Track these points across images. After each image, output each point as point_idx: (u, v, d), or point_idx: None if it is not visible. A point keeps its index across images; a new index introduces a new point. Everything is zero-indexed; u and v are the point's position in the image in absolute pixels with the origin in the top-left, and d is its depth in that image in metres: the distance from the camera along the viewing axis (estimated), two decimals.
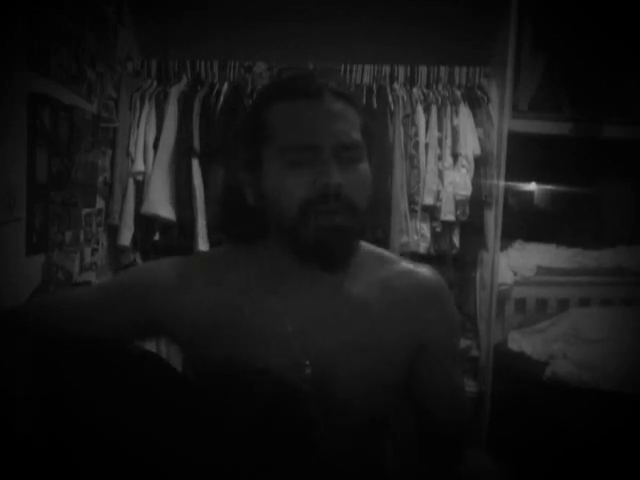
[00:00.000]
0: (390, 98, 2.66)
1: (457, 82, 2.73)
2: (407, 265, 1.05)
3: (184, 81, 2.68)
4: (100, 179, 2.46)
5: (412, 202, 2.66)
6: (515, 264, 3.04)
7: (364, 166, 0.93)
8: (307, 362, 0.95)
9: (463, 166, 2.65)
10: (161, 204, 2.57)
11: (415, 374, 1.03)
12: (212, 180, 2.55)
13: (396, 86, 2.70)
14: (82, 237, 2.21)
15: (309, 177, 0.89)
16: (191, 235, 2.60)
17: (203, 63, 2.69)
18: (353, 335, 0.97)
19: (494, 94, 2.74)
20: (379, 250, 1.06)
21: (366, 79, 2.70)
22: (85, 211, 2.25)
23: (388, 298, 1.00)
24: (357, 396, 0.97)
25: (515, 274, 3.02)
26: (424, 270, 1.05)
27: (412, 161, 2.65)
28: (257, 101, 0.98)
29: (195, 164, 2.59)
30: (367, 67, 2.70)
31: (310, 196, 0.89)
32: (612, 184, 3.60)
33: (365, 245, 1.05)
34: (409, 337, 1.01)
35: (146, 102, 2.63)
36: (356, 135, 0.92)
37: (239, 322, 0.96)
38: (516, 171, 2.84)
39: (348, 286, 0.99)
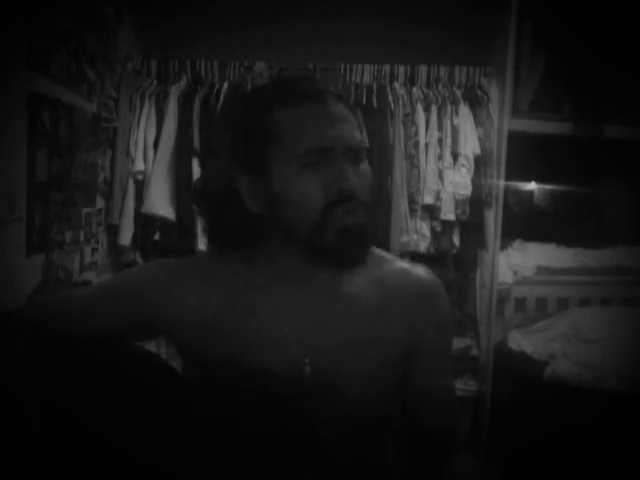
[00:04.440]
0: (390, 97, 2.66)
1: (457, 82, 2.73)
2: (402, 265, 1.06)
3: (184, 81, 2.68)
4: (100, 179, 2.46)
5: (412, 201, 2.66)
6: (515, 264, 3.04)
7: (366, 164, 0.95)
8: (306, 361, 0.95)
9: (463, 166, 2.66)
10: (161, 204, 2.57)
11: (406, 372, 1.03)
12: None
13: (396, 86, 2.70)
14: (82, 237, 2.21)
15: (325, 180, 0.89)
16: (191, 235, 2.60)
17: (203, 63, 2.69)
18: (350, 334, 0.97)
19: (494, 94, 2.74)
20: (375, 250, 1.07)
21: (366, 79, 2.70)
22: (85, 211, 2.25)
23: (383, 297, 1.00)
24: (356, 394, 0.97)
25: (515, 274, 3.02)
26: (419, 270, 1.06)
27: (412, 161, 2.65)
28: (256, 105, 0.94)
29: (195, 164, 2.59)
30: (367, 67, 2.70)
31: (329, 198, 0.89)
32: (612, 184, 3.60)
33: None
34: (403, 336, 1.01)
35: (146, 102, 2.63)
36: (358, 135, 0.94)
37: (237, 322, 0.96)
38: (516, 171, 2.84)
39: (345, 286, 0.99)
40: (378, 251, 1.07)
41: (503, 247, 2.89)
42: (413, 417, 1.07)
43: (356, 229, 0.91)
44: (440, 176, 2.66)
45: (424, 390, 1.04)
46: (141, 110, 2.62)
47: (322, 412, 0.96)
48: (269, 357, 0.94)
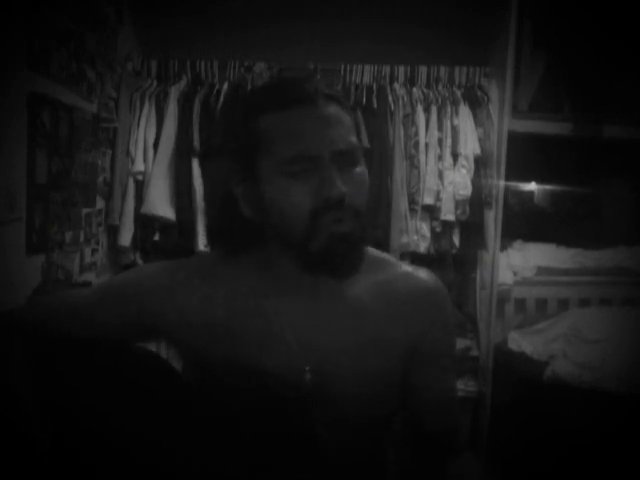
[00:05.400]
0: (390, 98, 2.66)
1: (457, 82, 2.73)
2: (405, 268, 1.05)
3: (184, 81, 2.68)
4: (100, 179, 2.46)
5: (412, 202, 2.66)
6: (515, 264, 3.04)
7: (361, 168, 0.92)
8: (307, 365, 0.95)
9: (463, 166, 2.66)
10: (161, 204, 2.57)
11: (407, 373, 1.03)
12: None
13: (396, 86, 2.70)
14: (82, 237, 2.21)
15: (312, 188, 0.87)
16: (191, 235, 2.60)
17: (203, 63, 2.69)
18: (352, 338, 0.97)
19: (494, 94, 2.74)
20: (377, 252, 1.06)
21: (366, 79, 2.70)
22: (85, 211, 2.25)
23: (385, 301, 1.00)
24: (357, 396, 0.97)
25: (515, 274, 3.02)
26: (421, 273, 1.05)
27: (412, 161, 2.65)
28: (246, 112, 0.94)
29: (195, 164, 2.59)
30: (367, 67, 2.70)
31: (315, 207, 0.87)
32: (612, 184, 3.60)
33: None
34: (405, 338, 1.00)
35: (146, 102, 2.63)
36: (352, 138, 0.91)
37: (238, 324, 0.96)
38: (516, 171, 2.84)
39: (346, 289, 0.98)
40: (380, 254, 1.06)
41: (503, 247, 2.89)
42: (413, 417, 1.06)
43: (345, 237, 0.89)
44: (440, 176, 2.66)
45: (425, 390, 1.04)
46: (141, 110, 2.62)
47: (322, 413, 0.96)
48: (270, 358, 0.94)
